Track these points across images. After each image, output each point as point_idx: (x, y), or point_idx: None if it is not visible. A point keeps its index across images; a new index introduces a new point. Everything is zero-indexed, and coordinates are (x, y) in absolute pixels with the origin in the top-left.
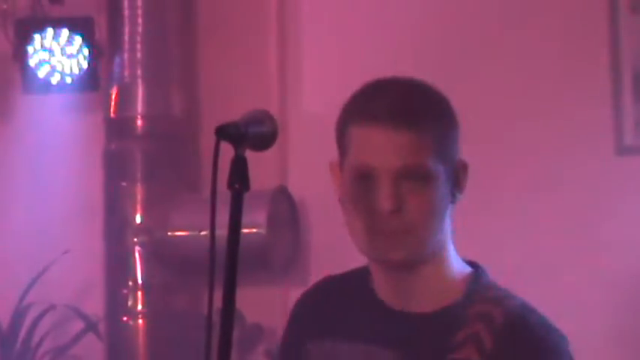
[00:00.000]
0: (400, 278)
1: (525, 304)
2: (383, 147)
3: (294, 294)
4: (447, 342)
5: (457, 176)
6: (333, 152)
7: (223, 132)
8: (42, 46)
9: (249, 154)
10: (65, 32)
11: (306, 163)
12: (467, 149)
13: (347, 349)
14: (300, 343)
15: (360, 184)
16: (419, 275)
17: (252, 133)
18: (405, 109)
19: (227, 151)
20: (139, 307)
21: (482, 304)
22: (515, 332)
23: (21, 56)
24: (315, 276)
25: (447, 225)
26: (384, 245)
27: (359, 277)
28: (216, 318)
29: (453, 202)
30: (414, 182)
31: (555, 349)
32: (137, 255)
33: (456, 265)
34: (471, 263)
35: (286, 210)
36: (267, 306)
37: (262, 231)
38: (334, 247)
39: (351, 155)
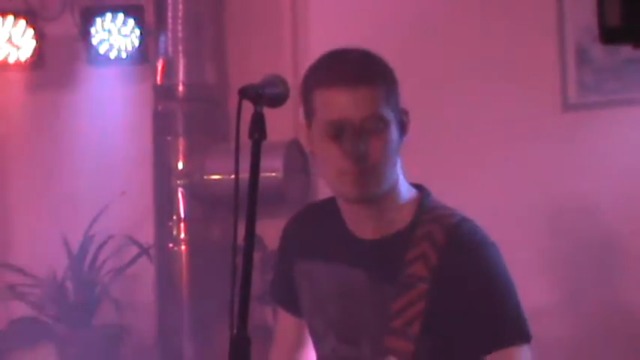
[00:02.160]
0: (361, 209)
1: (463, 218)
2: (346, 104)
3: None
4: (400, 261)
5: (403, 121)
6: None
7: (245, 92)
8: (102, 27)
9: (269, 114)
10: (121, 16)
11: None
12: (437, 111)
13: (323, 268)
14: (289, 261)
15: (329, 137)
16: (376, 206)
17: (268, 93)
18: (360, 72)
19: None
20: (182, 236)
21: (427, 225)
22: (454, 247)
23: (86, 36)
24: None
25: (398, 161)
26: (351, 185)
27: (333, 210)
28: (241, 244)
29: (401, 141)
30: (373, 129)
31: (488, 256)
32: (180, 195)
33: (405, 193)
34: (416, 186)
35: (298, 158)
36: None
37: (279, 175)
38: None
39: (319, 114)
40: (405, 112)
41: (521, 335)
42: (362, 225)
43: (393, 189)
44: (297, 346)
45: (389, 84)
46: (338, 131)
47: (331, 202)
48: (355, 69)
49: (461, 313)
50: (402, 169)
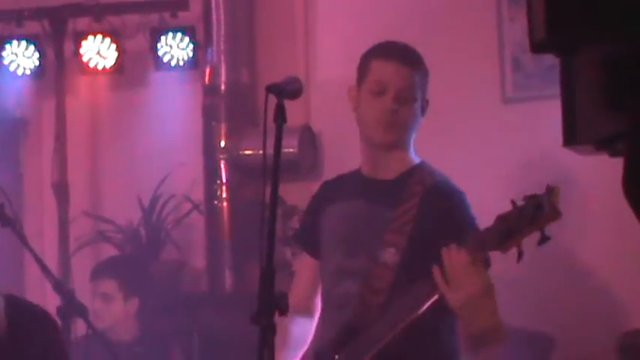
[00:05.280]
0: (382, 155)
1: (446, 176)
2: (393, 73)
3: (314, 186)
4: (399, 196)
5: (424, 105)
6: (340, 102)
7: (270, 89)
8: (166, 43)
9: (288, 105)
10: (179, 35)
11: (322, 110)
12: None
13: (341, 204)
14: (318, 210)
15: (374, 93)
16: (392, 154)
17: (288, 89)
18: (407, 54)
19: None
20: (224, 195)
21: (421, 175)
22: (438, 187)
23: (153, 49)
24: (326, 177)
25: (416, 131)
26: (384, 132)
27: (354, 171)
28: (267, 202)
29: (420, 120)
30: (405, 98)
31: (461, 197)
32: (222, 165)
33: (412, 154)
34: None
35: (309, 138)
36: (298, 194)
37: (295, 150)
38: (338, 161)
39: (371, 76)
40: (427, 100)
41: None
42: (376, 169)
43: (407, 146)
44: (313, 288)
45: (423, 74)
46: (382, 90)
47: (349, 172)
48: (406, 52)
49: (438, 225)
50: (413, 143)
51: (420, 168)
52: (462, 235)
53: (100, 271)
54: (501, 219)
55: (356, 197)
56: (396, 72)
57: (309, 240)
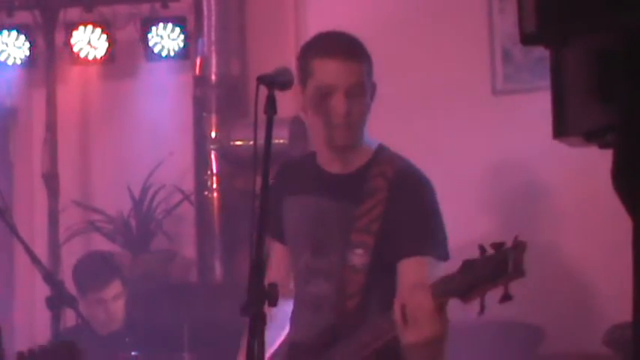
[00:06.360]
0: (341, 154)
1: (409, 162)
2: (338, 71)
3: None
4: (362, 191)
5: (373, 91)
6: None
7: (261, 79)
8: (156, 33)
9: (279, 96)
10: (170, 25)
11: None
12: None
13: (303, 199)
14: (282, 193)
15: (322, 96)
16: (349, 150)
17: (279, 80)
18: (349, 48)
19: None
20: (214, 186)
21: (381, 165)
22: (401, 179)
23: (144, 40)
24: None
25: (369, 118)
26: (338, 135)
27: (308, 158)
28: (257, 193)
29: (371, 102)
30: (356, 94)
31: (425, 185)
32: (213, 156)
33: (367, 142)
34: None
35: (300, 129)
36: None
37: (286, 141)
38: None
39: (315, 77)
40: (374, 85)
41: (438, 250)
42: (333, 163)
43: (362, 141)
44: (286, 272)
45: (368, 62)
46: (329, 92)
47: (307, 155)
48: (347, 46)
49: (404, 223)
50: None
51: (379, 155)
52: (427, 231)
53: (102, 278)
54: (467, 267)
55: (318, 193)
56: (341, 70)
57: (273, 227)
